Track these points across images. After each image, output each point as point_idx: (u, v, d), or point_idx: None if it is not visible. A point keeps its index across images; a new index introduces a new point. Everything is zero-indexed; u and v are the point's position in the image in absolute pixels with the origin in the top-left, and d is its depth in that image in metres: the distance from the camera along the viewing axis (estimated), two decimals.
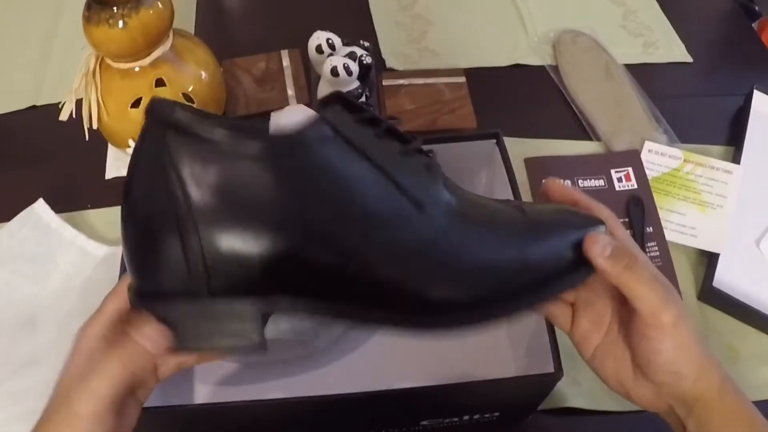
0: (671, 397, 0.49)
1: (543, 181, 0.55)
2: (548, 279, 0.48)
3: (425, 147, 0.51)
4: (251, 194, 0.43)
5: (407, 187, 0.46)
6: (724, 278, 0.81)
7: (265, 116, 0.45)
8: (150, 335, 0.46)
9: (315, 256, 0.44)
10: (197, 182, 0.42)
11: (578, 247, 0.49)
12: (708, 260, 0.83)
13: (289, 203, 0.43)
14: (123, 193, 0.45)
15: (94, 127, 0.82)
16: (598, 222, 0.50)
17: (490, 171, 0.77)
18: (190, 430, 0.64)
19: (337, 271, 0.45)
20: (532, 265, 0.48)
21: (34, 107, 0.99)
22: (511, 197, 0.69)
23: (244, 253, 0.43)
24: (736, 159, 0.92)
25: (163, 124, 0.43)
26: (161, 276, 0.44)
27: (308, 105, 0.47)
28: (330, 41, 0.90)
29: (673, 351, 0.47)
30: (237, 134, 0.43)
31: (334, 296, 0.46)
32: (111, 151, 0.91)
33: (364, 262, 0.45)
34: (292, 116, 0.45)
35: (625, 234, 0.52)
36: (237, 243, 0.43)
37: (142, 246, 0.45)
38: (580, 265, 0.49)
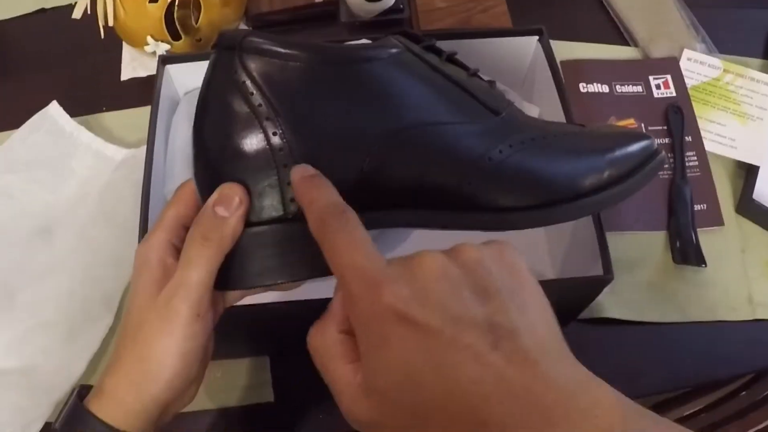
0: None
1: None
2: (622, 178, 0.49)
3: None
4: (334, 106, 0.43)
5: (482, 98, 0.48)
6: (763, 191, 0.79)
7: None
8: None
9: (402, 163, 0.44)
10: (280, 99, 0.42)
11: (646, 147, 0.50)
12: (747, 172, 0.81)
13: (373, 112, 0.44)
14: (195, 125, 0.44)
15: (110, 24, 0.79)
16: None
17: (530, 70, 0.73)
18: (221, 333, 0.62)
19: (422, 181, 0.45)
20: (611, 160, 0.49)
21: (42, 10, 0.96)
22: (556, 97, 0.66)
23: (335, 167, 0.42)
24: None
25: (237, 49, 0.42)
26: (254, 207, 0.42)
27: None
28: None
29: None
30: (315, 51, 0.43)
31: (422, 205, 0.46)
32: (126, 50, 0.88)
33: (445, 170, 0.45)
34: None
35: None
36: (328, 156, 0.43)
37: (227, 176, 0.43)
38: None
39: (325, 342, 0.37)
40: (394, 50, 0.46)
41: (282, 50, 0.42)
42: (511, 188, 0.46)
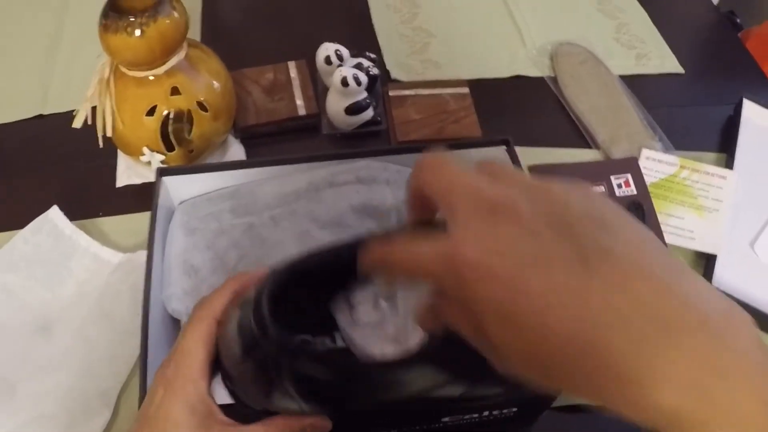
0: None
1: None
2: None
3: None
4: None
5: None
6: (722, 279, 0.83)
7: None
8: None
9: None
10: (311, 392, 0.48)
11: None
12: (706, 261, 0.86)
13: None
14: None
15: (109, 134, 0.83)
16: None
17: None
18: None
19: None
20: None
21: (40, 116, 1.00)
22: None
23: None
24: (728, 165, 0.95)
25: (289, 356, 0.47)
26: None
27: None
28: (338, 52, 0.92)
29: None
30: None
31: None
32: (121, 159, 0.92)
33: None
34: None
35: None
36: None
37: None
38: None
39: None
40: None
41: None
42: None
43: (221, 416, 0.47)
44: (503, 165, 0.37)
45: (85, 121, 0.83)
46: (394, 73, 1.05)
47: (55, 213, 0.84)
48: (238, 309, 0.49)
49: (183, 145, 0.84)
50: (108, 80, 0.82)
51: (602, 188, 0.89)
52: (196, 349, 0.48)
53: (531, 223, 0.32)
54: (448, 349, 0.43)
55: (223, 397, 0.50)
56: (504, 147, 0.76)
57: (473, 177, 0.35)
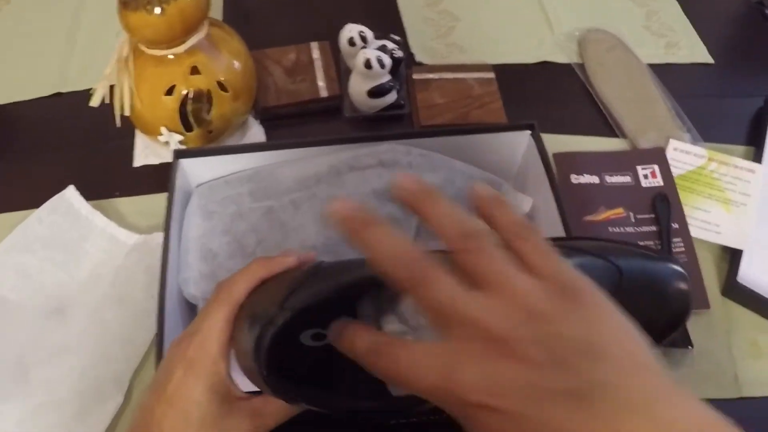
0: None
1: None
2: None
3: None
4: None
5: None
6: (747, 274, 0.81)
7: None
8: None
9: None
10: None
11: None
12: (731, 256, 0.84)
13: None
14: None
15: (127, 113, 0.82)
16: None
17: (523, 163, 0.77)
18: None
19: None
20: None
21: (58, 94, 0.99)
22: (548, 188, 0.70)
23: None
24: (756, 159, 0.93)
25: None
26: None
27: None
28: (362, 34, 0.91)
29: None
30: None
31: None
32: (139, 138, 0.91)
33: None
34: None
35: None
36: None
37: None
38: None
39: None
40: None
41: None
42: None
43: (239, 393, 0.48)
44: (483, 245, 0.37)
45: (103, 100, 0.82)
46: (419, 57, 1.03)
47: (71, 192, 0.83)
48: (248, 322, 0.47)
49: (202, 125, 0.83)
50: (127, 59, 0.81)
51: (628, 178, 0.88)
52: (217, 331, 0.48)
53: (530, 356, 0.33)
54: None
55: (246, 383, 0.49)
56: (529, 132, 0.75)
57: (466, 298, 0.35)
